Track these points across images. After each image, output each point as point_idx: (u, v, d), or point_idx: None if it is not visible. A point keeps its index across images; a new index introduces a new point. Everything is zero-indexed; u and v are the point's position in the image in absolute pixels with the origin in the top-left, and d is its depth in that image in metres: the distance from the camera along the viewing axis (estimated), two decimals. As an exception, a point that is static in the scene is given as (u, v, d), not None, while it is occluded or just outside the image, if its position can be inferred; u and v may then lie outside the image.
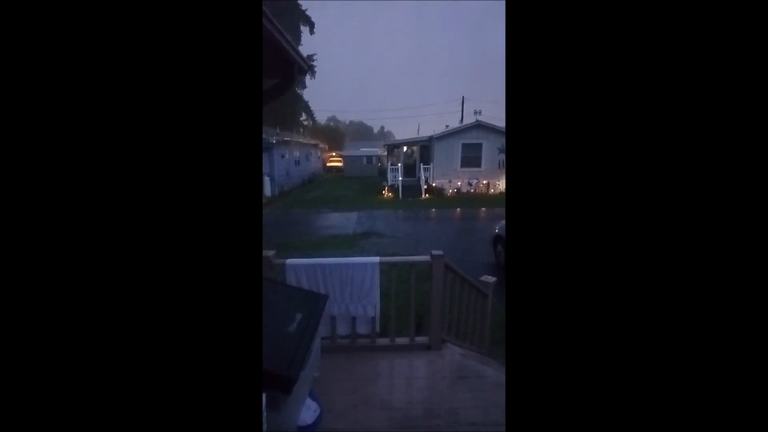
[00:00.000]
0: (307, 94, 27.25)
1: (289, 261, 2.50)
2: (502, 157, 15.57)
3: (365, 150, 29.42)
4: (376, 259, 2.54)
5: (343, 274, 2.49)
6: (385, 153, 25.20)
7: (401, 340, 2.74)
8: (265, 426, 1.21)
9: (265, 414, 1.21)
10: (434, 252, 2.59)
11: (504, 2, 0.70)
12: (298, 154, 21.13)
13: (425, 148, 17.03)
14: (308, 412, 1.58)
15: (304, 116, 28.59)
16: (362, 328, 2.64)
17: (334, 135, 39.25)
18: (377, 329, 2.67)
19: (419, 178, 15.86)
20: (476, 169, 15.79)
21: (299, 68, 2.46)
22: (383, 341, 2.72)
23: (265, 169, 16.14)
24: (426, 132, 19.24)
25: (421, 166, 16.08)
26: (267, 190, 15.63)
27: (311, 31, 23.50)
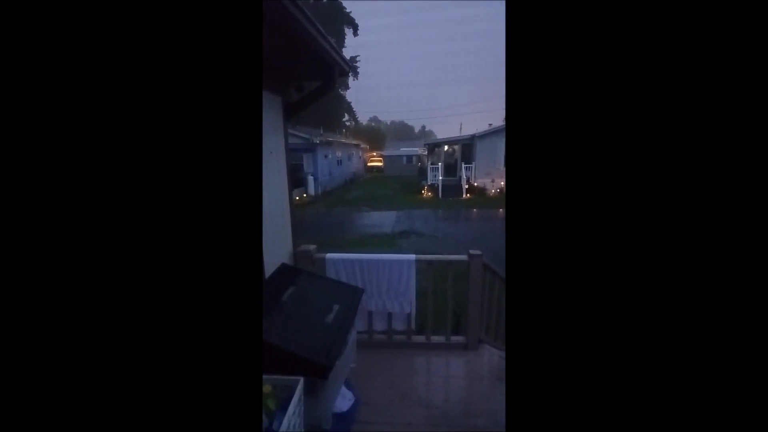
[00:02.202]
0: (349, 95, 27.75)
1: (329, 255, 2.58)
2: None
3: (405, 149, 29.45)
4: (413, 256, 2.56)
5: (380, 271, 2.53)
6: (426, 152, 25.05)
7: (437, 339, 2.73)
8: (302, 409, 1.27)
9: (302, 398, 1.27)
10: (472, 251, 2.55)
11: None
12: (340, 154, 21.63)
13: (467, 147, 16.69)
14: (344, 400, 1.63)
15: (346, 117, 29.15)
16: (398, 325, 2.67)
17: (375, 135, 39.66)
18: (414, 326, 2.69)
19: (460, 178, 15.57)
20: (521, 167, 15.17)
21: (341, 70, 2.53)
22: (419, 339, 2.73)
23: (309, 169, 16.69)
24: (468, 131, 18.87)
25: (463, 165, 15.77)
26: (311, 189, 16.16)
27: (355, 33, 23.90)
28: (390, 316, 2.64)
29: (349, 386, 1.74)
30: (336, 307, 1.66)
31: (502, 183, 15.24)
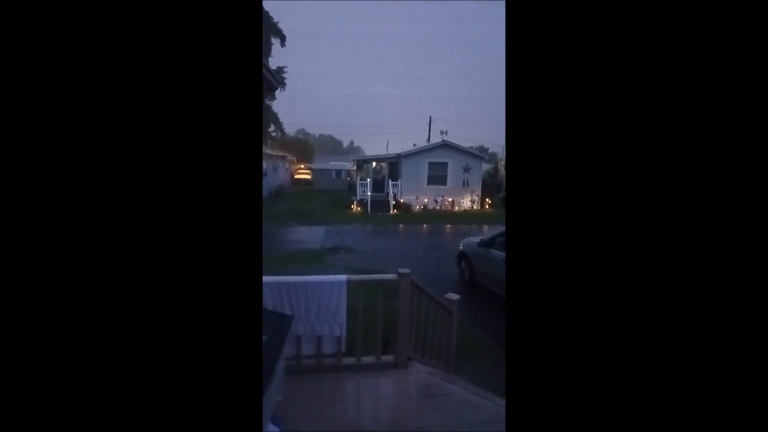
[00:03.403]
0: (276, 106, 26.89)
1: (254, 279, 2.43)
2: (467, 176, 16.20)
3: (335, 164, 29.34)
4: (343, 277, 2.53)
5: (310, 293, 2.45)
6: (355, 167, 25.28)
7: (367, 359, 2.72)
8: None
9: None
10: (401, 270, 2.61)
11: (502, 5, 0.70)
12: (265, 165, 20.70)
13: (394, 165, 17.29)
14: (270, 439, 1.52)
15: (272, 128, 28.14)
16: (328, 348, 2.60)
17: (303, 147, 38.85)
18: (343, 348, 2.64)
19: (388, 194, 16.02)
20: (442, 186, 16.23)
21: (269, 84, 2.46)
22: (349, 360, 2.68)
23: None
24: (394, 149, 19.63)
25: (390, 182, 16.27)
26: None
27: (282, 44, 23.41)
28: (319, 339, 2.56)
29: (275, 422, 1.63)
30: (262, 338, 1.56)
31: (426, 200, 16.06)
